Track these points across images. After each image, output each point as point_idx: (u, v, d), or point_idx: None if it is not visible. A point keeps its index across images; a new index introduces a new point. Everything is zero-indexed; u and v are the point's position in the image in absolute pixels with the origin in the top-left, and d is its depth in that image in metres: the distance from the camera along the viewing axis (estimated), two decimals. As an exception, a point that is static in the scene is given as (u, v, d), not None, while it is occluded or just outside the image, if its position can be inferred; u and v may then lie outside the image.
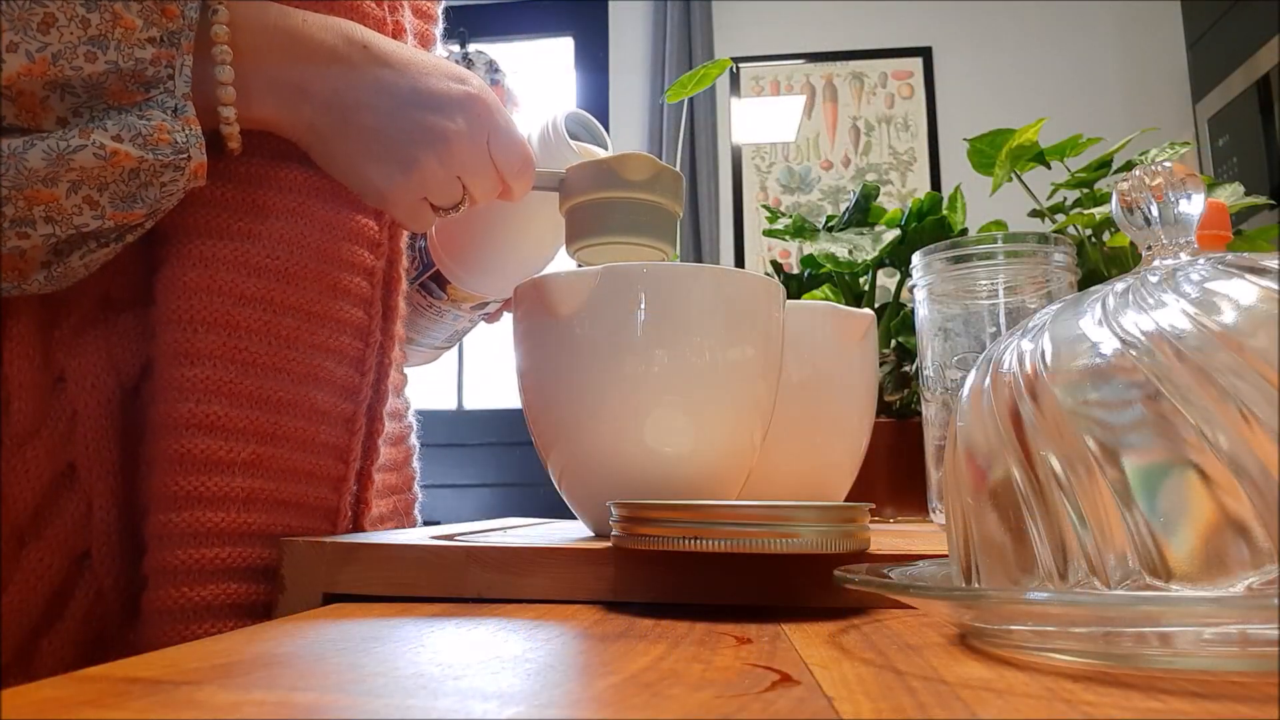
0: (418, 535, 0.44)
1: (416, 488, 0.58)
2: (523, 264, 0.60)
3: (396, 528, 0.54)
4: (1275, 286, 0.24)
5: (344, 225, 0.45)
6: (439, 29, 0.59)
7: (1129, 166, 0.65)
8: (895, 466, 0.76)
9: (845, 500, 0.53)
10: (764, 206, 1.12)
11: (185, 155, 0.37)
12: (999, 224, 0.96)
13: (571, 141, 0.55)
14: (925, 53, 2.69)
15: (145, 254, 0.42)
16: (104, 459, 0.41)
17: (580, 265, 0.51)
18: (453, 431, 2.65)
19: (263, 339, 0.42)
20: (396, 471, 0.55)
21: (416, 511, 0.58)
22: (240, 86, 0.40)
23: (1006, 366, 0.27)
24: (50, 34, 0.34)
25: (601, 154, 0.56)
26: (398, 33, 0.50)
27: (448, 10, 0.60)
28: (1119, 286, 0.27)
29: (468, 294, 0.62)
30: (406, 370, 0.58)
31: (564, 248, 0.54)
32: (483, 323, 0.69)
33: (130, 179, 0.36)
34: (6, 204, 0.34)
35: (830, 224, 0.95)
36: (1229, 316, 0.24)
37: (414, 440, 0.59)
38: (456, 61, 0.49)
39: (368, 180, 0.44)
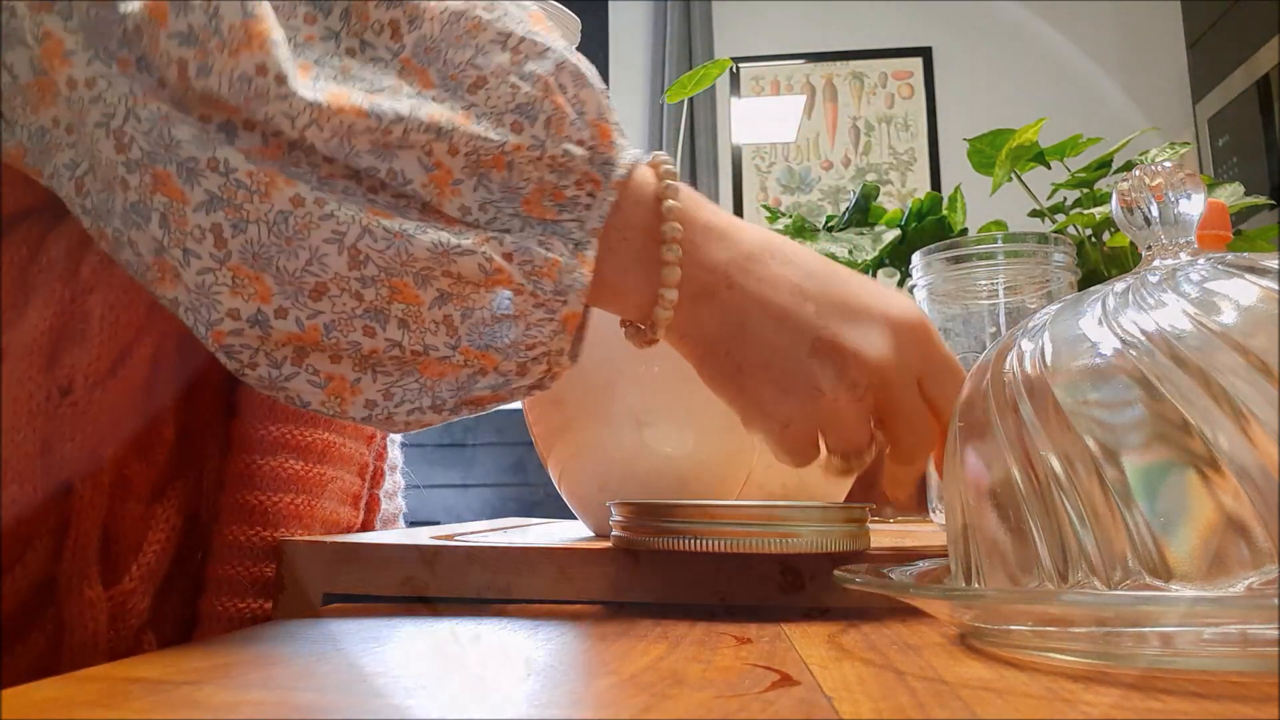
0: (418, 535, 0.44)
1: (400, 499, 0.58)
2: None
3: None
4: (1275, 286, 0.24)
5: None
6: None
7: (1129, 166, 0.65)
8: (895, 466, 0.76)
9: (845, 500, 0.53)
10: (764, 206, 1.12)
11: (562, 299, 0.31)
12: (999, 224, 0.96)
13: None
14: (925, 53, 2.69)
15: None
16: (215, 432, 0.43)
17: None
18: (453, 431, 2.65)
19: None
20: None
21: (401, 521, 0.58)
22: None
23: (1006, 366, 0.27)
24: (478, 93, 0.30)
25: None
26: None
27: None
28: (1119, 286, 0.27)
29: None
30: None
31: None
32: None
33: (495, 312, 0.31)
34: (369, 287, 0.28)
35: (830, 224, 0.95)
36: (1229, 316, 0.24)
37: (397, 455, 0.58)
38: None
39: (762, 407, 0.36)
